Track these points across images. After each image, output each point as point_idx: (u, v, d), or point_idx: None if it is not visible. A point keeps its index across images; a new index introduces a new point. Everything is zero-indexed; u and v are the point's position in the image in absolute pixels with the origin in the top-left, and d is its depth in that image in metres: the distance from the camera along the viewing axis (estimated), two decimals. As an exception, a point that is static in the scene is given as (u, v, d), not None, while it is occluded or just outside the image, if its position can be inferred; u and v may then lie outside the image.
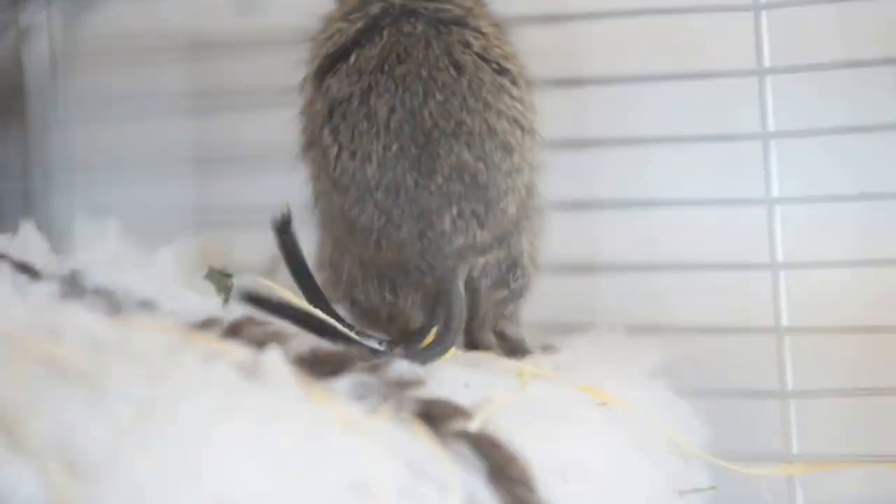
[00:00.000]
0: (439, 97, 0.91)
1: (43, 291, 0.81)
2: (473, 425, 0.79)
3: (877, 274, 1.04)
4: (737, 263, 1.07)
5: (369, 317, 0.96)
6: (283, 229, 0.89)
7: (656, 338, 1.03)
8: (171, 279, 0.93)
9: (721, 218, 1.08)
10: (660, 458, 0.91)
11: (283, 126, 0.97)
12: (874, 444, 1.03)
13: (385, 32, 0.93)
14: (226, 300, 0.93)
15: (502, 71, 0.94)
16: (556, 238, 1.01)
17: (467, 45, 0.93)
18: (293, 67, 0.97)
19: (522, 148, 0.93)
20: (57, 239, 0.94)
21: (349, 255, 0.95)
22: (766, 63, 1.03)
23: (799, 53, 1.05)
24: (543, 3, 1.11)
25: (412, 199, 0.91)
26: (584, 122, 1.13)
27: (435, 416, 0.79)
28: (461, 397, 0.82)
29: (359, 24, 0.94)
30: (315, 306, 0.90)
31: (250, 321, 0.83)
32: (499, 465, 0.78)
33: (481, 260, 0.93)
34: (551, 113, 0.99)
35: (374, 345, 0.88)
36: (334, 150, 0.92)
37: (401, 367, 0.82)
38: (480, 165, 0.91)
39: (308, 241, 0.96)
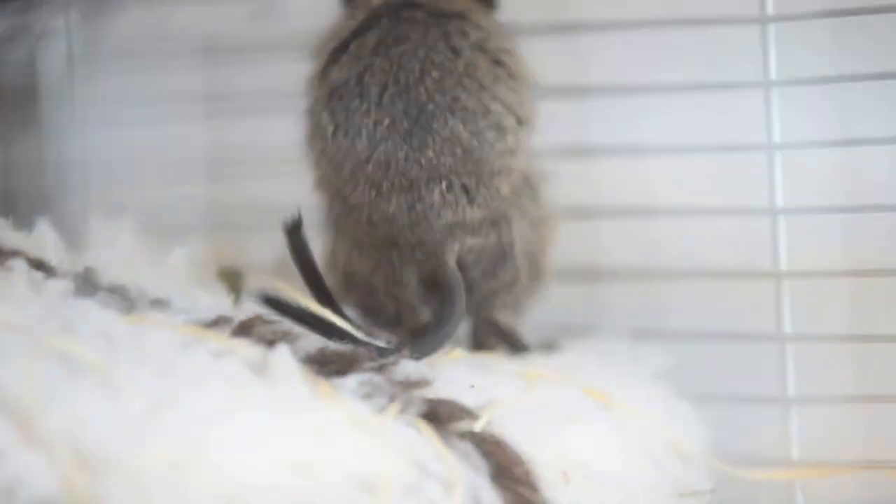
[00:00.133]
0: (435, 74, 0.92)
1: (57, 288, 0.83)
2: (478, 426, 0.80)
3: (877, 284, 1.05)
4: (740, 270, 1.07)
5: (377, 316, 0.97)
6: (294, 231, 0.90)
7: (660, 342, 1.04)
8: (183, 278, 0.94)
9: (725, 225, 1.09)
10: (661, 460, 0.91)
11: (295, 129, 0.98)
12: (874, 450, 1.03)
13: (384, 20, 0.94)
14: (237, 299, 0.93)
15: (499, 63, 0.94)
16: (562, 244, 1.01)
17: (465, 35, 0.94)
18: (306, 72, 0.98)
19: (517, 135, 0.94)
20: (72, 237, 0.95)
21: (350, 239, 0.95)
22: (773, 75, 1.03)
23: (804, 65, 1.05)
24: (548, 12, 1.12)
25: (401, 172, 0.91)
26: (589, 130, 1.13)
27: (441, 416, 0.80)
28: (467, 398, 0.83)
29: (360, 18, 0.95)
30: (324, 308, 0.90)
31: (260, 320, 0.84)
32: (503, 465, 0.79)
33: (470, 240, 0.93)
34: (557, 121, 1.00)
35: (382, 345, 0.89)
36: (330, 129, 0.93)
37: (408, 367, 0.83)
38: (474, 141, 0.92)
39: (318, 244, 0.96)
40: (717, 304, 1.10)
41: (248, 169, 1.21)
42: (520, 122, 0.94)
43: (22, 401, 0.68)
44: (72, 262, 0.90)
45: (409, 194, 0.91)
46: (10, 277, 0.83)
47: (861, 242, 1.07)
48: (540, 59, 0.99)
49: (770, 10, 1.03)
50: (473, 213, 0.93)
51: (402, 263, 0.94)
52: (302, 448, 0.73)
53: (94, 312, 0.80)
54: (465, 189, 0.92)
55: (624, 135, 1.11)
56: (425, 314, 0.95)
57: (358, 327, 0.90)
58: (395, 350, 0.86)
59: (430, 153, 0.91)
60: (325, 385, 0.79)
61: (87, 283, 0.86)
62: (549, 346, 1.02)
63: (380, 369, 0.82)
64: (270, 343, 0.81)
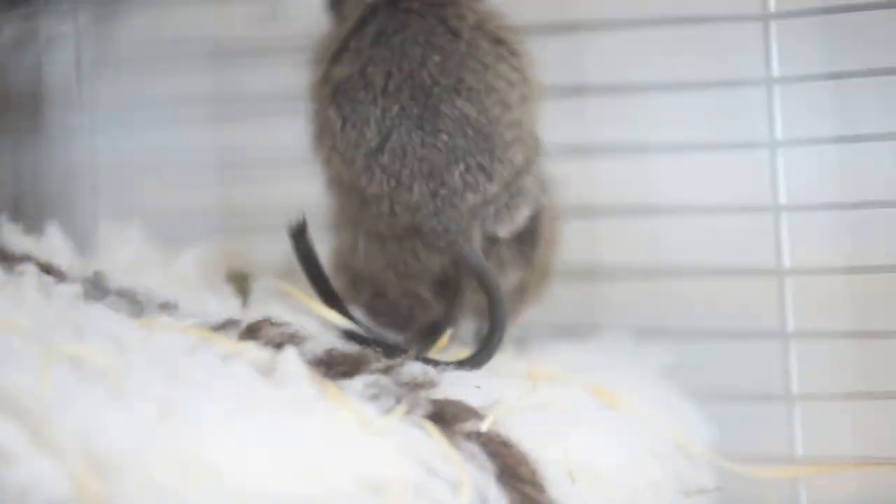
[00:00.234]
0: (437, 58, 0.92)
1: (67, 292, 0.83)
2: (484, 426, 0.81)
3: (880, 281, 1.05)
4: (743, 268, 1.07)
5: (386, 317, 0.97)
6: (299, 235, 0.90)
7: (663, 341, 1.04)
8: (191, 281, 0.95)
9: (728, 223, 1.09)
10: (666, 459, 0.92)
11: (303, 132, 0.98)
12: (877, 447, 1.03)
13: (381, 12, 0.95)
14: (245, 302, 0.94)
15: (500, 41, 0.95)
16: (565, 242, 1.01)
17: (462, 17, 0.94)
18: (308, 80, 0.98)
19: (522, 110, 0.94)
20: (81, 242, 0.95)
21: (364, 235, 0.95)
22: (775, 72, 1.04)
23: (807, 62, 1.05)
24: (550, 11, 1.12)
25: (420, 158, 0.91)
26: (590, 128, 1.13)
27: (447, 416, 0.80)
28: (473, 399, 0.83)
29: (354, 17, 0.95)
30: (331, 309, 0.91)
31: (268, 323, 0.85)
32: (509, 465, 0.80)
33: (492, 209, 0.94)
34: (558, 120, 1.00)
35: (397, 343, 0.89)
36: (338, 123, 0.93)
37: (414, 368, 0.84)
38: (482, 118, 0.92)
39: (324, 246, 0.96)
40: (720, 301, 1.10)
41: (256, 172, 1.21)
42: (523, 97, 0.94)
43: (33, 405, 0.69)
44: (81, 267, 0.90)
45: (432, 181, 0.92)
46: (20, 282, 0.83)
47: (864, 239, 1.07)
48: (541, 57, 0.99)
49: (772, 7, 1.03)
50: (492, 189, 0.93)
51: (422, 254, 0.94)
52: (309, 450, 0.74)
53: (104, 316, 0.81)
54: (482, 167, 0.92)
55: (626, 133, 1.11)
56: (437, 311, 0.96)
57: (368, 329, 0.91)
58: (413, 351, 0.87)
59: (445, 136, 0.91)
60: (332, 387, 0.79)
61: (96, 288, 0.86)
62: (520, 341, 1.02)
63: (386, 371, 0.83)
64: (278, 346, 0.82)
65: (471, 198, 0.92)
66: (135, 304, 0.85)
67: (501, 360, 0.94)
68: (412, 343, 0.93)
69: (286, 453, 0.73)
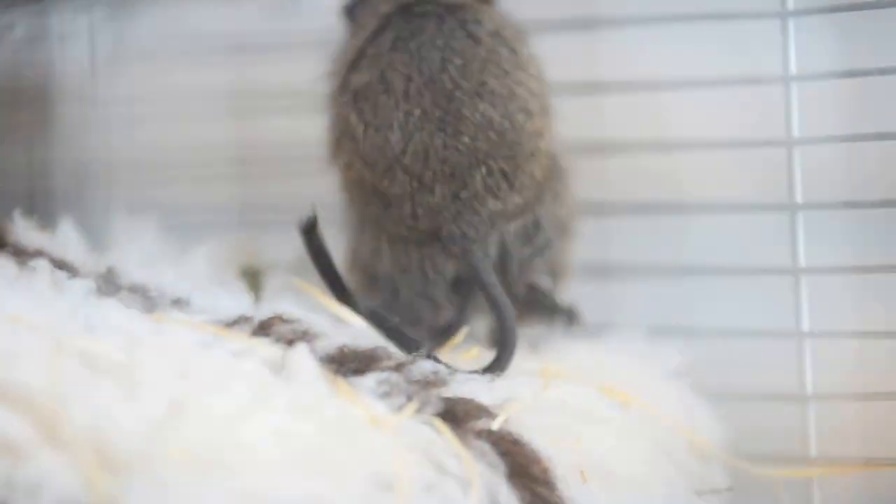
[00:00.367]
0: (458, 61, 0.92)
1: (80, 288, 0.84)
2: (496, 424, 0.81)
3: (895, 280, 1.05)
4: (758, 266, 1.07)
5: (402, 314, 0.96)
6: (310, 231, 0.90)
7: (677, 340, 1.03)
8: (204, 277, 0.95)
9: (744, 221, 1.09)
10: (679, 458, 0.91)
11: (318, 128, 0.98)
12: (892, 448, 1.02)
13: (395, 19, 0.95)
14: (257, 298, 0.94)
15: (515, 52, 0.94)
16: (579, 240, 1.01)
17: (480, 23, 0.94)
18: (326, 89, 0.98)
19: (543, 122, 0.94)
20: (94, 237, 0.96)
21: (386, 238, 0.95)
22: (793, 69, 1.03)
23: (824, 60, 1.05)
24: (566, 6, 1.12)
25: (442, 160, 0.91)
26: (605, 125, 1.13)
27: (458, 414, 0.80)
28: (484, 397, 0.83)
29: (373, 25, 0.96)
30: (344, 306, 0.91)
31: (279, 319, 0.85)
32: (520, 463, 0.79)
33: (512, 226, 0.94)
34: (573, 117, 0.99)
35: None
36: (361, 128, 0.93)
37: (425, 366, 0.84)
38: (506, 123, 0.92)
39: (336, 243, 0.96)
40: (734, 300, 1.10)
41: (270, 167, 1.21)
42: (542, 108, 0.94)
43: (45, 400, 0.69)
44: (94, 262, 0.91)
45: (454, 183, 0.92)
46: (33, 277, 0.84)
47: (881, 238, 1.06)
48: (557, 54, 0.99)
49: (790, 4, 1.03)
50: (515, 200, 0.93)
51: (440, 260, 0.94)
52: (320, 447, 0.74)
53: (116, 312, 0.81)
54: (504, 174, 0.92)
55: (641, 130, 1.11)
56: (450, 312, 0.96)
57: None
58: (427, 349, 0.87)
59: (466, 139, 0.91)
60: (343, 384, 0.79)
61: (108, 283, 0.86)
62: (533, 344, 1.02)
63: (397, 368, 0.83)
64: (290, 342, 0.82)
65: (492, 203, 0.92)
66: (147, 299, 0.86)
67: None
68: (426, 340, 0.92)
69: (297, 450, 0.73)
